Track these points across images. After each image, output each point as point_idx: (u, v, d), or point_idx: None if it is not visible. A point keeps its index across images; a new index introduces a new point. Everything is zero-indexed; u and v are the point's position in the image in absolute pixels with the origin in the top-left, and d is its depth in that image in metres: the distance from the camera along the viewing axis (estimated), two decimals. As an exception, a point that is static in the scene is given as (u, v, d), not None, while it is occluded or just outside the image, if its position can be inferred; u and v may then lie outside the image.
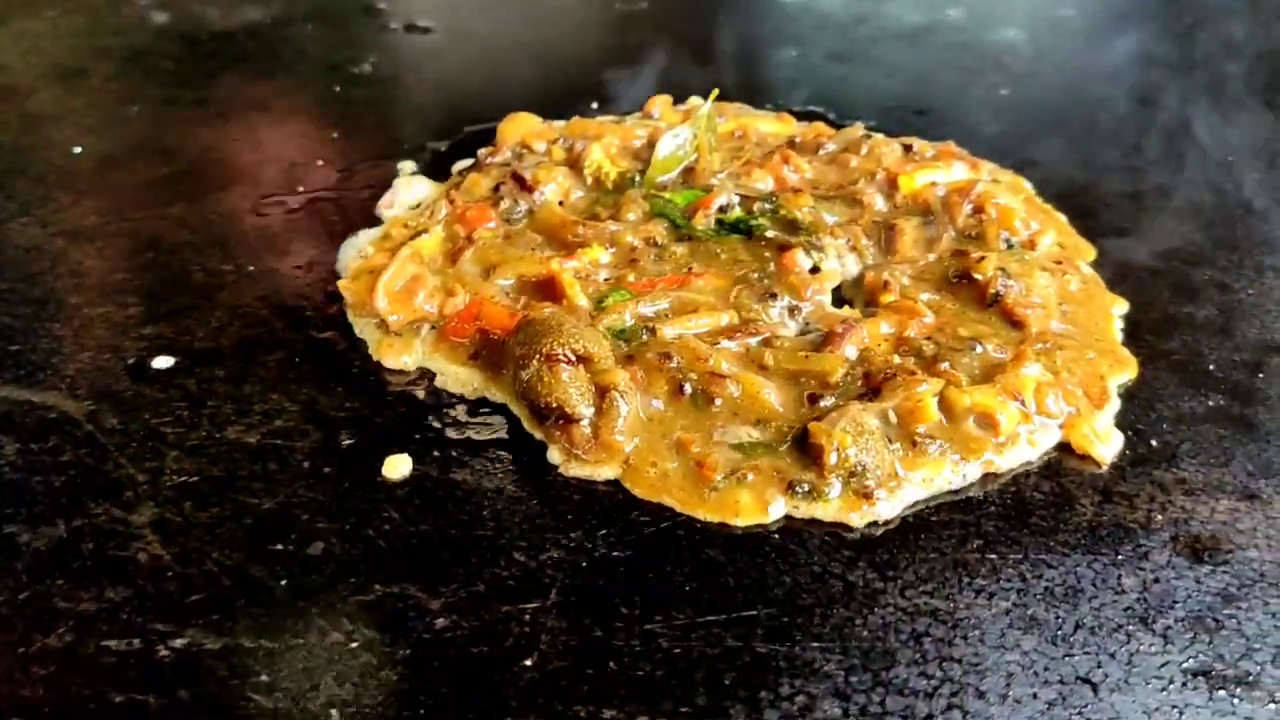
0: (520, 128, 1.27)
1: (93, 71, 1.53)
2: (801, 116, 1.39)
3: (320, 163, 1.31)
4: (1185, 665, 0.73)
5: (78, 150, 1.32)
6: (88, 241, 1.14)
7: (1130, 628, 0.76)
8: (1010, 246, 1.09)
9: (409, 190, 1.22)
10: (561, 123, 1.32)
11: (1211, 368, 1.00)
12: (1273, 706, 0.71)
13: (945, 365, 0.93)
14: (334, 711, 0.69)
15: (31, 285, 1.08)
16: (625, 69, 1.55)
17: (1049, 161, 1.34)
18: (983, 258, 1.04)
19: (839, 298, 1.07)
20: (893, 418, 0.88)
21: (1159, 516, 0.85)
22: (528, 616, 0.76)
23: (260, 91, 1.49)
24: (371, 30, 1.71)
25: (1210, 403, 0.96)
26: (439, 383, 0.96)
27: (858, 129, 1.28)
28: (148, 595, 0.76)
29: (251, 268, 1.11)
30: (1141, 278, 1.12)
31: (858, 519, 0.83)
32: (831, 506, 0.84)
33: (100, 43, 1.63)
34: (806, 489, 0.84)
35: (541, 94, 1.46)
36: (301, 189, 1.25)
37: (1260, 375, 0.99)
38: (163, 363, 0.98)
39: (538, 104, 1.38)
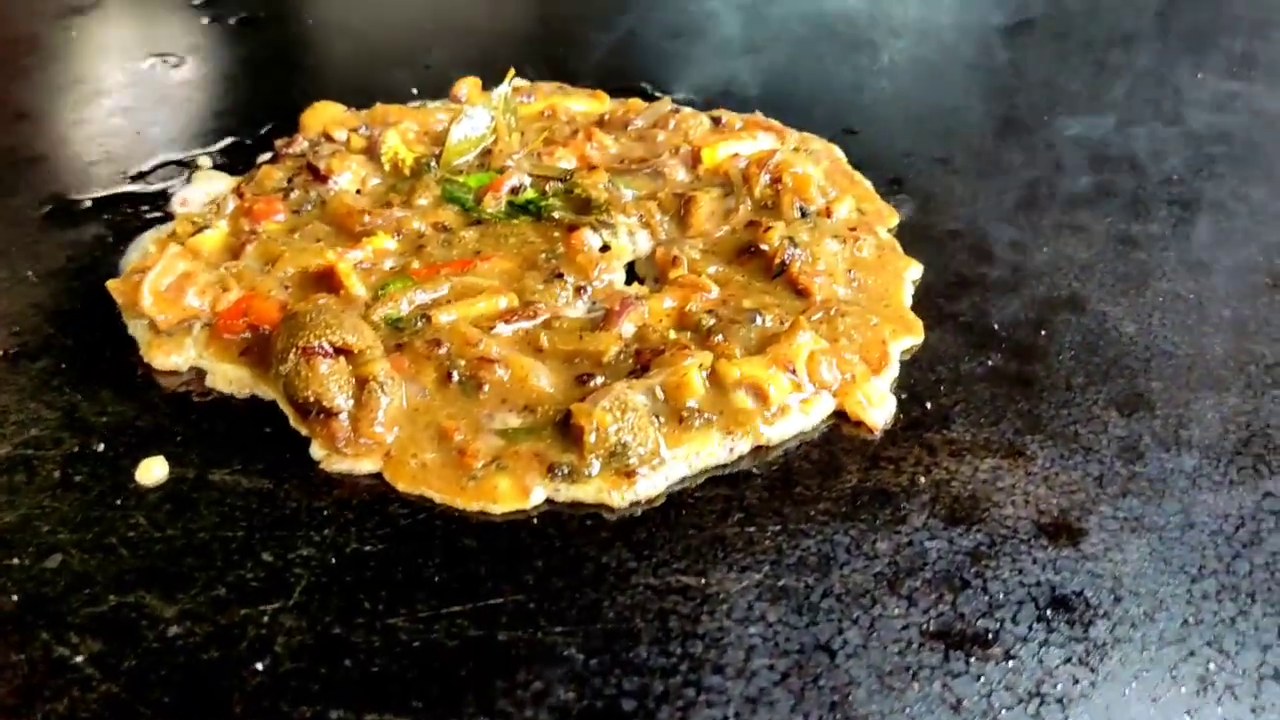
0: (322, 117, 1.24)
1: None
2: (628, 94, 1.38)
3: (119, 159, 1.27)
4: (925, 627, 0.73)
5: None
6: None
7: (877, 592, 0.76)
8: (805, 215, 1.09)
9: (205, 185, 1.19)
10: (367, 111, 1.29)
11: (996, 326, 1.01)
12: (1008, 664, 0.71)
13: (720, 339, 0.92)
14: (44, 729, 0.67)
15: None
16: (453, 53, 1.53)
17: (869, 129, 1.34)
18: (770, 228, 1.03)
19: (633, 275, 1.06)
20: (660, 394, 0.87)
21: (922, 479, 0.85)
22: (266, 618, 0.74)
23: (60, 85, 1.44)
24: (180, 18, 1.67)
25: (990, 362, 0.96)
26: (209, 382, 0.94)
27: (665, 103, 1.27)
28: None
29: (29, 273, 1.07)
30: (941, 240, 1.13)
31: (618, 499, 0.82)
32: (592, 488, 0.83)
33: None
34: (566, 471, 0.83)
35: (361, 81, 1.44)
36: (97, 189, 1.21)
37: (1042, 332, 1.00)
38: (-83, 377, 0.94)
39: (355, 92, 1.35)
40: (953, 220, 1.16)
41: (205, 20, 1.66)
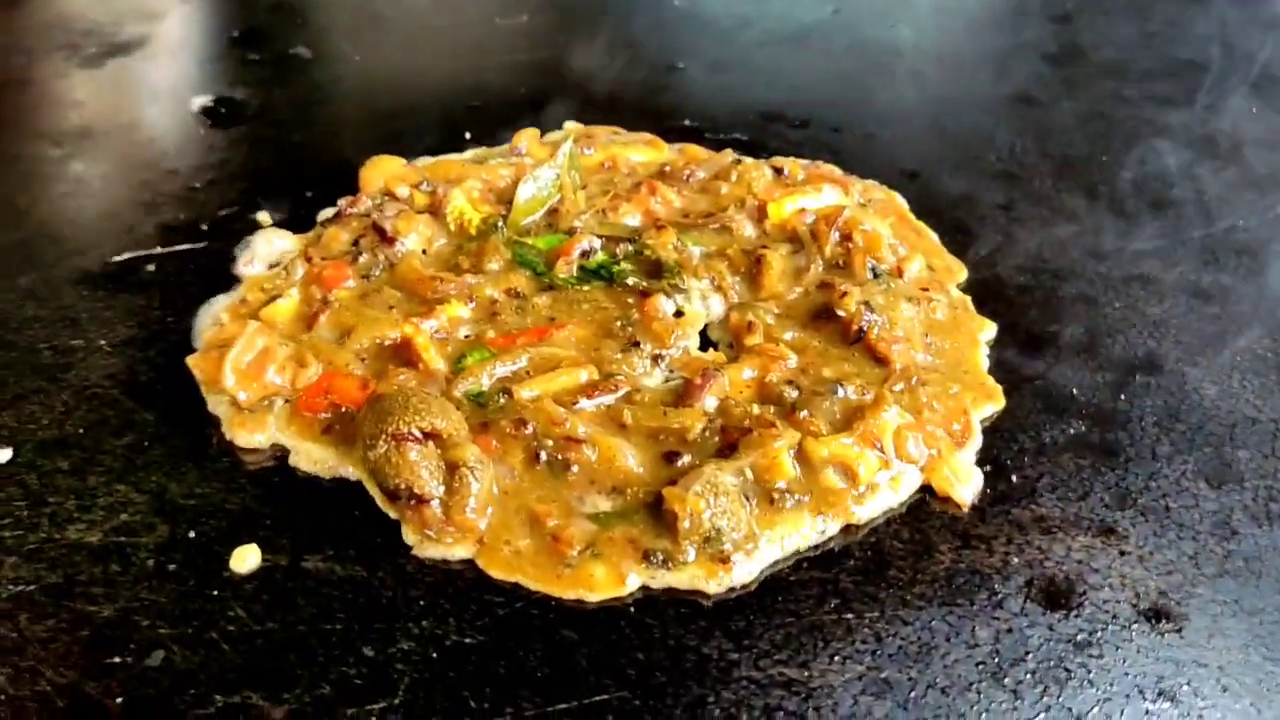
0: (383, 171, 1.24)
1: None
2: (680, 134, 1.38)
3: (179, 217, 1.26)
4: (1034, 723, 0.74)
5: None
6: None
7: (981, 685, 0.76)
8: (876, 275, 1.08)
9: (268, 245, 1.18)
10: (426, 161, 1.29)
11: (1074, 391, 1.00)
12: (1119, 760, 0.71)
13: (804, 414, 0.92)
14: (165, 844, 0.67)
15: None
16: (501, 92, 1.53)
17: (927, 172, 1.34)
18: (845, 292, 1.03)
19: (707, 339, 1.06)
20: (749, 475, 0.87)
21: (1015, 559, 0.85)
22: (374, 718, 0.74)
23: (116, 136, 1.44)
24: (236, 62, 1.66)
25: (1072, 430, 0.96)
26: (293, 460, 0.94)
27: (727, 155, 1.27)
28: (-23, 724, 0.74)
29: (103, 342, 1.07)
30: (1010, 296, 1.12)
31: (714, 586, 0.83)
32: (687, 574, 0.83)
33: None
34: (661, 558, 0.83)
35: (414, 123, 1.43)
36: (159, 248, 1.21)
37: (1122, 397, 1.00)
38: (3, 456, 0.94)
39: (411, 134, 1.35)
40: (1020, 274, 1.16)
41: (252, 57, 1.65)
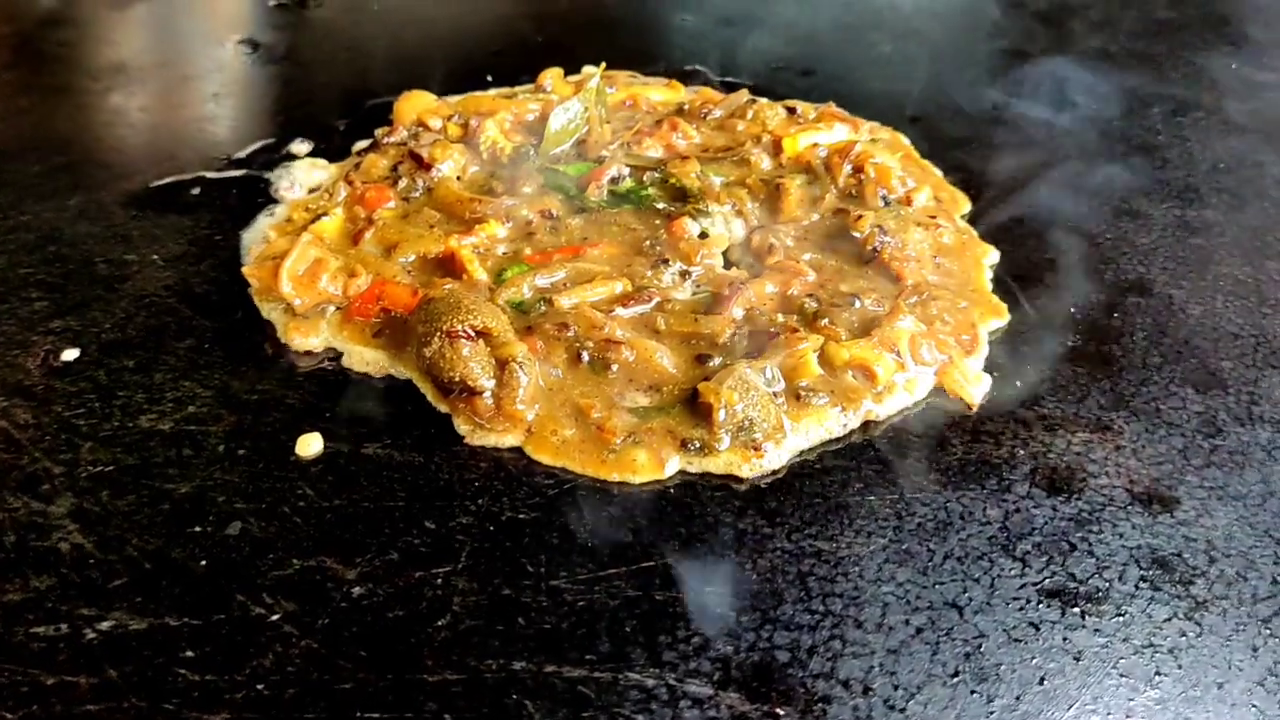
0: (416, 105, 1.30)
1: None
2: (692, 81, 1.44)
3: (219, 145, 1.32)
4: (1041, 586, 0.81)
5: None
6: (-13, 236, 1.15)
7: (993, 555, 0.84)
8: (887, 204, 1.15)
9: (307, 171, 1.24)
10: (456, 98, 1.35)
11: (1071, 310, 1.08)
12: (1119, 619, 0.79)
13: (825, 322, 0.99)
14: (260, 684, 0.73)
15: (-68, 284, 1.09)
16: (519, 40, 1.59)
17: (928, 117, 1.41)
18: (861, 215, 1.10)
19: (728, 260, 1.12)
20: (776, 374, 0.94)
21: (1020, 451, 0.92)
22: (439, 580, 0.81)
23: (151, 72, 1.49)
24: (261, 5, 1.71)
25: (1070, 343, 1.04)
26: (345, 362, 1.00)
27: (743, 95, 1.33)
28: (71, 583, 0.80)
29: (155, 257, 1.13)
30: (1009, 227, 1.20)
31: (747, 470, 0.90)
32: (721, 460, 0.90)
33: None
34: (698, 445, 0.90)
35: (436, 67, 1.48)
36: (201, 172, 1.26)
37: (1115, 315, 1.07)
38: (71, 355, 1.00)
39: (433, 78, 1.41)
40: (1017, 207, 1.23)
41: (277, 2, 1.70)
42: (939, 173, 1.27)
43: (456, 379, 0.92)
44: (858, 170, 1.18)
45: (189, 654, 0.75)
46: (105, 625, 0.77)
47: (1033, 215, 1.22)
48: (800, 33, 1.65)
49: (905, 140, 1.33)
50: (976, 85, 1.51)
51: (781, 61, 1.55)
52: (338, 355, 1.01)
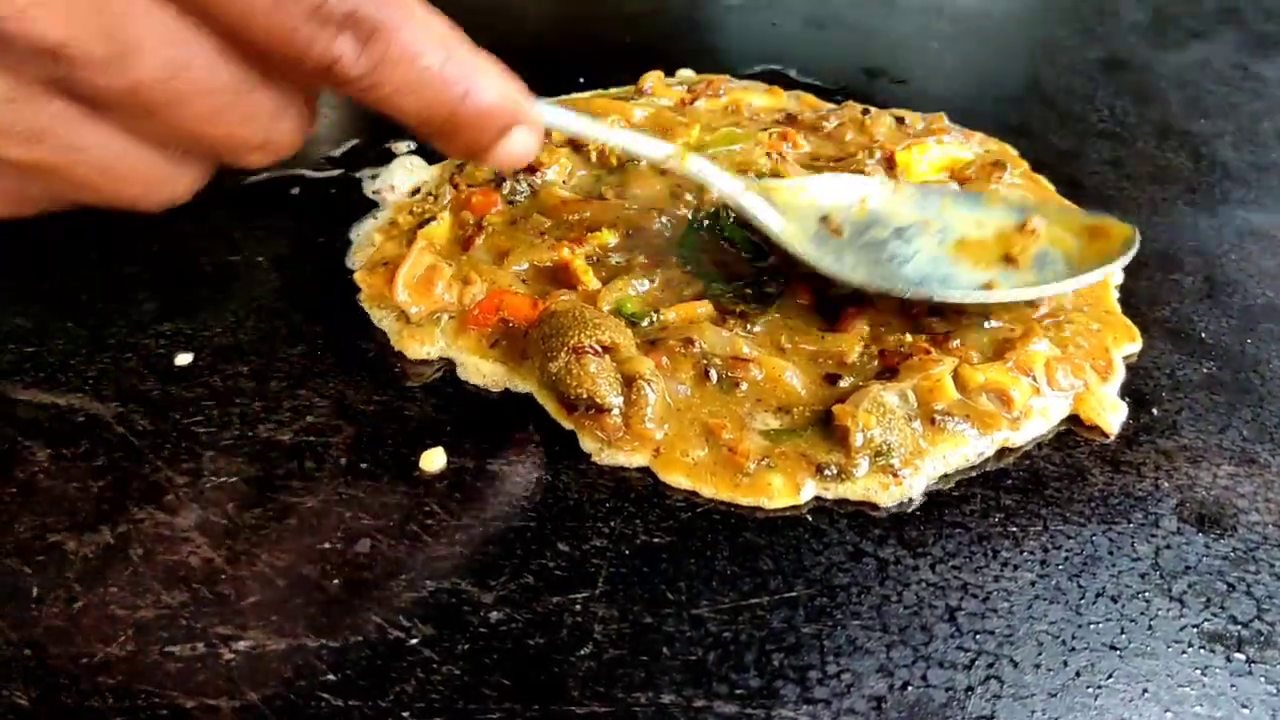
0: (516, 107, 1.27)
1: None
2: (785, 85, 1.42)
3: (314, 141, 1.30)
4: (1201, 628, 0.78)
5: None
6: (91, 234, 1.13)
7: (1147, 594, 0.81)
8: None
9: (407, 172, 1.22)
10: (555, 99, 1.32)
11: (1203, 335, 1.05)
12: (1284, 664, 0.76)
13: (956, 343, 0.97)
14: (404, 712, 0.71)
15: (39, 281, 1.07)
16: (609, 41, 1.56)
17: (1034, 130, 1.38)
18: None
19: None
20: (911, 397, 0.92)
21: (1165, 484, 0.89)
22: (578, 606, 0.78)
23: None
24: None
25: (1205, 370, 1.01)
26: (460, 373, 0.98)
27: (854, 106, 1.31)
28: (204, 599, 0.78)
29: (260, 259, 1.11)
30: (1129, 246, 1.16)
31: (886, 498, 0.87)
32: (859, 486, 0.87)
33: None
34: (835, 471, 0.87)
35: (528, 67, 1.46)
36: (300, 171, 1.25)
37: (1249, 341, 1.04)
38: (184, 360, 0.98)
39: (524, 78, 1.38)
40: (1135, 225, 1.20)
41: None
42: (1051, 187, 1.24)
43: (584, 395, 0.90)
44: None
45: (330, 678, 0.73)
46: (243, 645, 0.75)
47: (1151, 235, 1.18)
48: (891, 40, 1.62)
49: (1013, 151, 1.30)
50: (1079, 95, 1.47)
51: (876, 66, 1.52)
52: (451, 366, 0.99)
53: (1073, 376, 0.96)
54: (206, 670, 0.73)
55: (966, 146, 1.24)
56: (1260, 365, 1.01)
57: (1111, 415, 0.94)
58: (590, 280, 1.02)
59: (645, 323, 0.99)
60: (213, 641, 0.75)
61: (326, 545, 0.82)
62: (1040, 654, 0.76)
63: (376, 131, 1.31)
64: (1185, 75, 1.53)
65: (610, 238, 1.08)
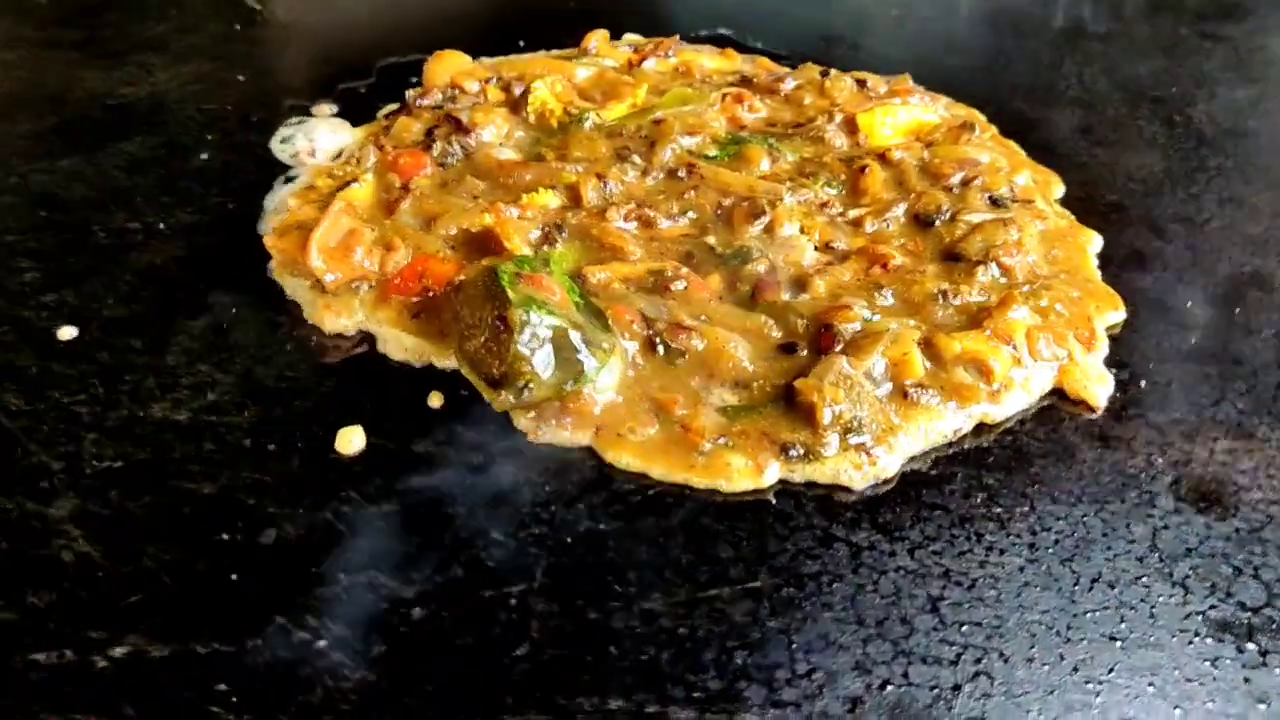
0: (449, 67, 1.17)
1: (-43, 11, 1.38)
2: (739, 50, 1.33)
3: (228, 107, 1.19)
4: (1207, 616, 0.70)
5: (-52, 99, 1.19)
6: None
7: (1146, 579, 0.73)
8: (996, 204, 1.03)
9: (330, 136, 1.12)
10: (492, 60, 1.23)
11: (1188, 304, 0.97)
12: (1301, 655, 0.69)
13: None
14: (308, 722, 0.61)
15: (-93, 251, 0.95)
16: (551, 5, 1.47)
17: (1000, 97, 1.30)
18: (965, 236, 0.98)
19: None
20: (879, 369, 0.83)
21: (1159, 460, 0.82)
22: (514, 601, 0.69)
23: (151, 29, 1.35)
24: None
25: (1193, 340, 0.93)
26: (380, 347, 0.88)
27: (813, 68, 1.22)
28: (77, 599, 0.67)
29: (161, 225, 1.00)
30: (1105, 213, 1.09)
31: (859, 478, 0.78)
32: (829, 467, 0.79)
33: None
34: (802, 450, 0.78)
35: (460, 28, 1.36)
36: (209, 136, 1.14)
37: (1236, 310, 0.97)
38: (68, 333, 0.87)
39: (459, 39, 1.28)
40: (1111, 192, 1.13)
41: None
42: (1022, 151, 1.16)
43: (506, 374, 0.80)
44: (966, 183, 1.05)
45: (221, 687, 0.63)
46: (119, 651, 0.64)
47: (1129, 203, 1.11)
48: (850, 6, 1.55)
49: (981, 117, 1.22)
50: (1045, 63, 1.41)
51: (835, 33, 1.44)
52: (371, 339, 0.89)
53: (1055, 346, 0.88)
54: (75, 681, 0.63)
55: (933, 109, 1.17)
56: (1249, 335, 0.94)
57: (1098, 388, 0.87)
58: (517, 245, 0.92)
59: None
60: (84, 648, 0.64)
61: (224, 537, 0.72)
62: (1033, 647, 0.68)
63: (294, 96, 1.21)
64: (1153, 42, 1.46)
65: (550, 199, 0.98)
